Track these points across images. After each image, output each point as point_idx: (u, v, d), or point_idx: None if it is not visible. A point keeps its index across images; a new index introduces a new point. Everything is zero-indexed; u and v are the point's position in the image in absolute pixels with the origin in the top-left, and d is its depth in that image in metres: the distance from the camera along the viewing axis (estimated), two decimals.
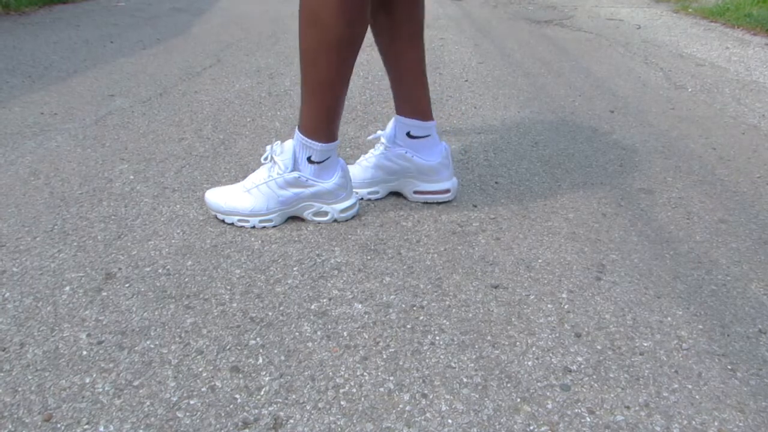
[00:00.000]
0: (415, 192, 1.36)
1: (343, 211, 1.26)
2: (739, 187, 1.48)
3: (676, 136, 1.84)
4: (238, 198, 1.22)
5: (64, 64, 2.58)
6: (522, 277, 1.09)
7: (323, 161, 1.22)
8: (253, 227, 1.22)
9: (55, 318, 0.96)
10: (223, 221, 1.24)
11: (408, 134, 1.32)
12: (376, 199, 1.37)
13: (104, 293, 1.02)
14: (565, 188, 1.47)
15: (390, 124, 1.34)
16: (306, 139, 1.19)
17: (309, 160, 1.21)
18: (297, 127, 1.21)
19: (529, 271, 1.11)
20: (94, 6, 4.25)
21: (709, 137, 1.83)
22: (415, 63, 1.29)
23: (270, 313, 0.98)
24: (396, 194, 1.40)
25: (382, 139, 1.35)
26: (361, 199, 1.36)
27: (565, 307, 1.01)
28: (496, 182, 1.49)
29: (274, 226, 1.23)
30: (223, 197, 1.23)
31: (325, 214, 1.26)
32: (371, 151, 1.38)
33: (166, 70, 2.53)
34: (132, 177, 1.48)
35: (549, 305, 1.01)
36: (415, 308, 1.00)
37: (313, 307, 1.00)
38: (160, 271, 1.09)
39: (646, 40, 3.37)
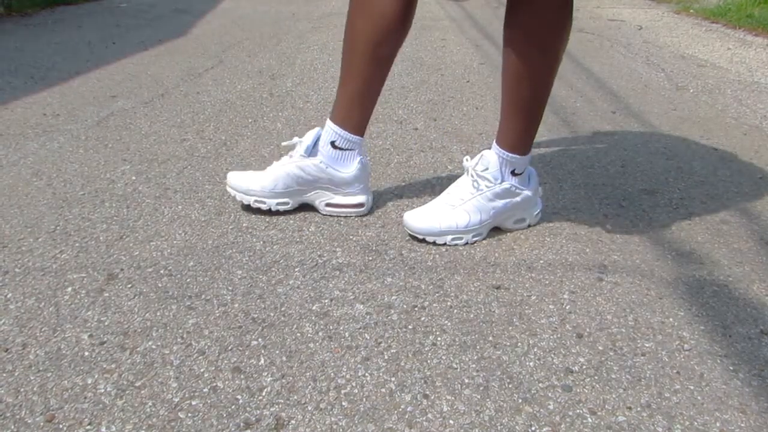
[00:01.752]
0: (327, 205, 1.29)
1: (536, 215, 1.28)
2: (741, 188, 1.48)
3: (677, 136, 1.84)
4: (451, 216, 1.18)
5: (66, 65, 2.59)
6: (523, 277, 1.09)
7: (523, 172, 1.23)
8: (466, 243, 1.20)
9: (57, 319, 0.96)
10: (434, 243, 1.19)
11: (332, 143, 1.26)
12: (285, 211, 1.30)
13: (106, 294, 1.02)
14: (567, 189, 1.47)
15: (312, 132, 1.27)
16: (511, 154, 1.20)
17: (513, 173, 1.21)
18: (496, 143, 1.21)
19: (530, 272, 1.11)
20: (96, 7, 4.25)
21: (711, 138, 1.83)
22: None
23: (271, 314, 0.98)
24: (398, 195, 1.41)
25: (298, 147, 1.27)
26: (269, 210, 1.28)
27: (567, 307, 1.01)
28: None
29: (483, 239, 1.22)
30: (434, 219, 1.18)
31: (523, 221, 1.26)
32: (284, 158, 1.29)
33: (167, 71, 2.54)
34: (134, 178, 1.48)
35: (550, 306, 1.01)
36: (416, 309, 1.00)
37: (314, 307, 1.00)
38: (161, 271, 1.09)
39: (647, 41, 3.37)
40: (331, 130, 1.25)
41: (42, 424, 0.76)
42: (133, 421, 0.77)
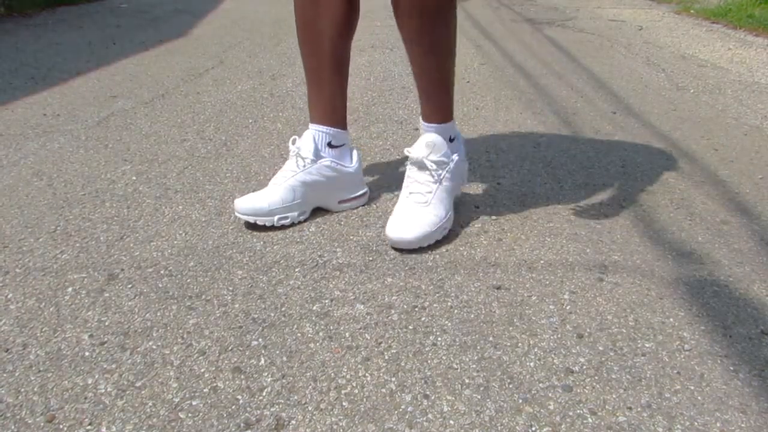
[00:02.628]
0: (340, 201, 1.31)
1: (466, 172, 1.34)
2: (741, 188, 1.48)
3: (678, 137, 1.84)
4: (429, 213, 1.18)
5: (66, 65, 2.59)
6: (524, 278, 1.09)
7: (456, 137, 1.27)
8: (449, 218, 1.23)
9: (57, 319, 0.96)
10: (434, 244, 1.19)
11: (329, 144, 1.29)
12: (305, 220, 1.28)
13: (106, 294, 1.02)
14: (567, 189, 1.47)
15: (308, 138, 1.26)
16: (443, 125, 1.24)
17: (450, 140, 1.25)
18: (426, 121, 1.24)
19: (530, 272, 1.11)
20: (96, 7, 4.26)
21: (711, 138, 1.83)
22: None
23: (272, 314, 0.98)
24: (398, 195, 1.40)
25: (302, 154, 1.26)
26: (293, 224, 1.26)
27: (567, 308, 1.01)
28: (498, 183, 1.49)
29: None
30: (418, 225, 1.17)
31: (462, 183, 1.33)
32: (289, 167, 1.27)
33: (168, 71, 2.54)
34: (134, 178, 1.48)
35: (551, 306, 1.01)
36: (416, 309, 1.00)
37: (315, 308, 1.00)
38: (162, 272, 1.09)
39: (647, 41, 3.37)
40: (323, 132, 1.28)
41: (42, 424, 0.76)
42: (134, 422, 0.77)
